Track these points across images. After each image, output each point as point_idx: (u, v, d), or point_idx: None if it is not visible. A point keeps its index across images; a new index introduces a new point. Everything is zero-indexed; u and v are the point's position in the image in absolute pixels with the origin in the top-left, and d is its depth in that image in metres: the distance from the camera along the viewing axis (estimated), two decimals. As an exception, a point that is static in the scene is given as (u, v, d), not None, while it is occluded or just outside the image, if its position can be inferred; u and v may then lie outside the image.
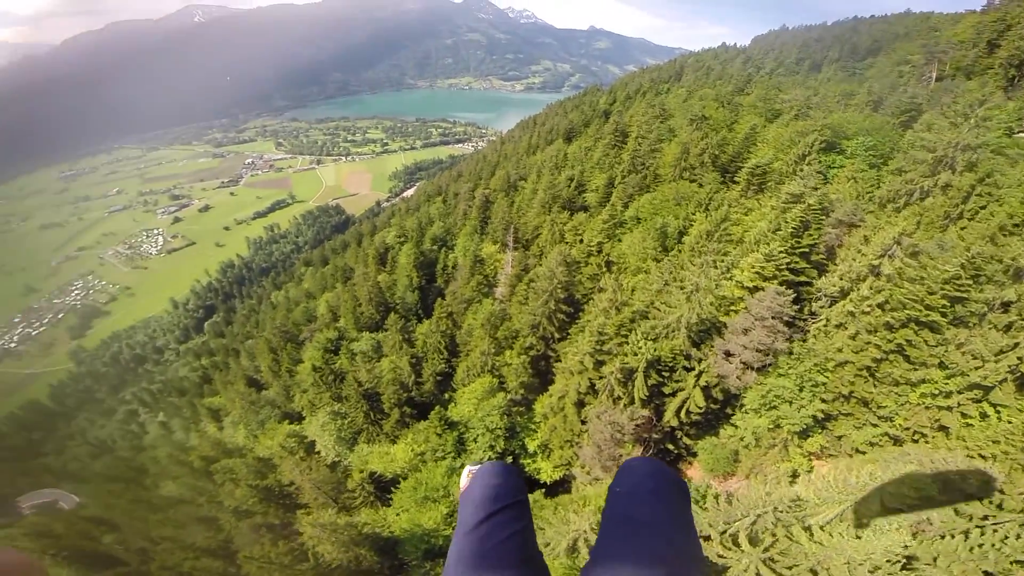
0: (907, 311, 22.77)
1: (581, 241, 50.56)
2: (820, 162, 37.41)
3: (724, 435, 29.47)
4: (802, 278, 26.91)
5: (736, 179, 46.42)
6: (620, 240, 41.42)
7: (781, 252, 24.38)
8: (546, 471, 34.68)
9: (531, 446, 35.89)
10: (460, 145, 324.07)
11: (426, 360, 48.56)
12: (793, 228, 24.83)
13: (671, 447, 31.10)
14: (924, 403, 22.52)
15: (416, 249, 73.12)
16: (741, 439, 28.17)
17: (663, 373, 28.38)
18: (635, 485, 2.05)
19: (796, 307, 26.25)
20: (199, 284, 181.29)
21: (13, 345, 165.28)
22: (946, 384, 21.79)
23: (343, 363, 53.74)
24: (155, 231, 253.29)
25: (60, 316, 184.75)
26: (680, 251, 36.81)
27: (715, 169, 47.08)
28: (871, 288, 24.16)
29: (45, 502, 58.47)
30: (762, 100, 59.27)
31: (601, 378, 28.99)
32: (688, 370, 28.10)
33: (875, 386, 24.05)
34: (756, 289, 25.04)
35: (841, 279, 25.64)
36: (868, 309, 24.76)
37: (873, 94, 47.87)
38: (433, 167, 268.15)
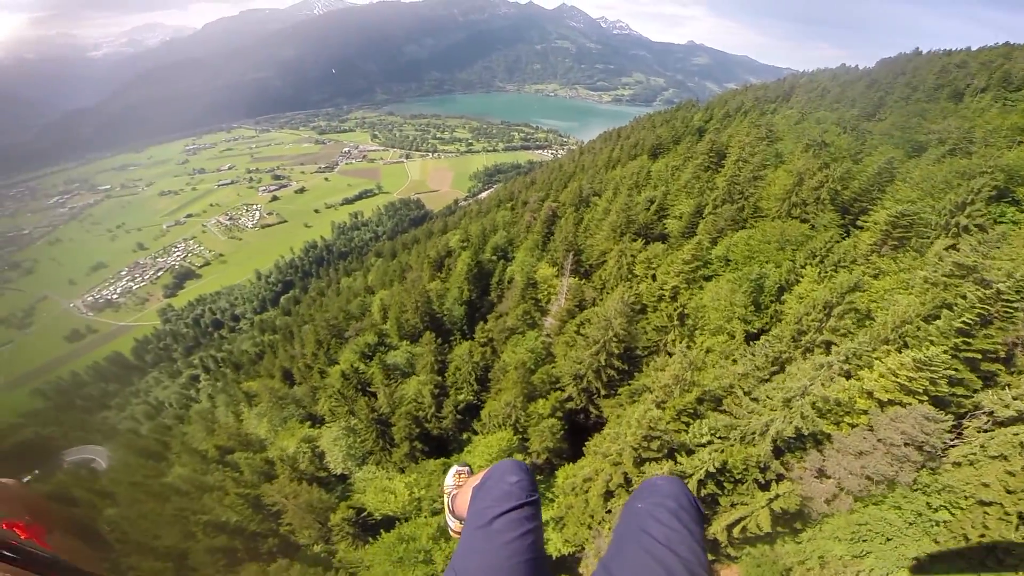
0: None
1: (654, 278, 43.26)
2: (985, 215, 27.75)
3: (780, 548, 21.87)
4: (959, 390, 18.61)
5: (860, 224, 37.02)
6: (702, 287, 33.85)
7: (943, 359, 16.45)
8: (555, 543, 28.61)
9: (543, 514, 29.75)
10: (540, 151, 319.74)
11: (453, 390, 43.71)
12: (964, 323, 16.75)
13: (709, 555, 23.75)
14: None
15: (474, 258, 68.79)
16: (802, 562, 20.55)
17: (725, 485, 21.09)
18: (655, 504, 2.07)
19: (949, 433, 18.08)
20: (283, 260, 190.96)
21: (115, 296, 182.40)
22: None
23: (373, 373, 50.43)
24: (254, 206, 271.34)
25: (159, 275, 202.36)
26: (780, 316, 28.76)
27: (834, 208, 37.91)
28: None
29: (84, 458, 59.72)
30: (899, 129, 48.29)
31: (642, 474, 22.36)
32: (762, 487, 20.61)
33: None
34: (891, 403, 17.24)
35: (1020, 399, 17.09)
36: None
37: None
38: (511, 171, 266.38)
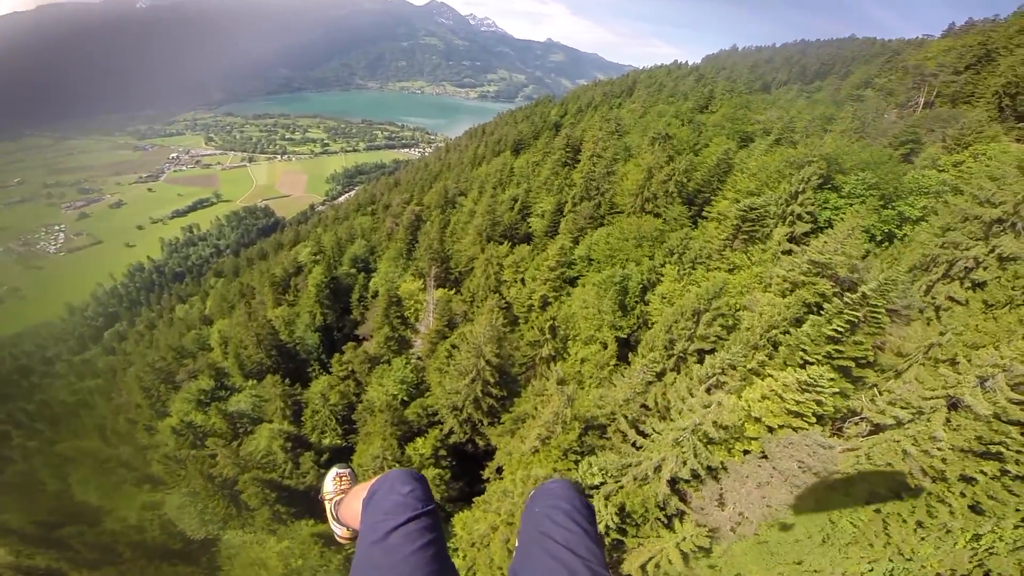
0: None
1: (523, 283, 40.39)
2: (814, 202, 29.15)
3: (698, 571, 20.43)
4: (837, 400, 18.02)
5: (705, 214, 38.00)
6: (569, 294, 31.53)
7: (827, 378, 15.17)
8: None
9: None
10: (406, 150, 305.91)
11: (316, 434, 36.50)
12: (835, 330, 15.66)
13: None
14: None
15: (327, 274, 60.09)
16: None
17: (626, 529, 18.38)
18: (551, 507, 2.11)
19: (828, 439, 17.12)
20: (102, 288, 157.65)
21: None
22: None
23: (214, 423, 40.61)
24: (57, 227, 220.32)
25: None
26: (646, 317, 27.28)
27: (681, 200, 38.38)
28: (948, 426, 15.26)
29: None
30: (729, 120, 51.85)
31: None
32: (666, 525, 18.24)
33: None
34: (780, 426, 15.63)
35: (894, 404, 16.62)
36: (936, 450, 15.94)
37: (857, 119, 41.04)
38: (375, 171, 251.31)
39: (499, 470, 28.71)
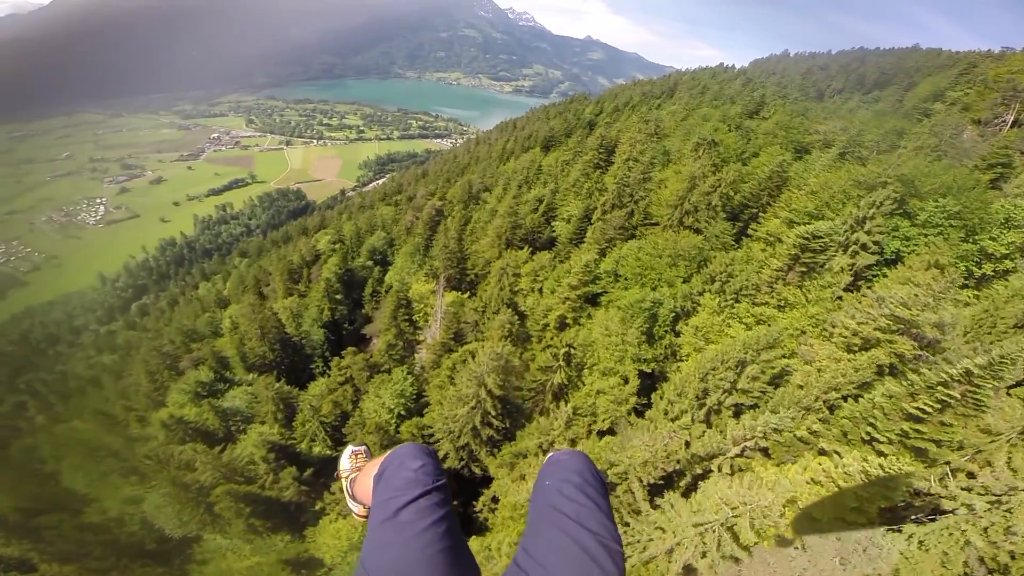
0: None
1: (540, 292, 37.03)
2: (883, 230, 24.75)
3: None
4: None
5: (752, 231, 33.77)
6: (590, 316, 28.04)
7: (903, 467, 11.44)
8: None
9: None
10: (439, 140, 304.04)
11: (306, 442, 34.20)
12: (920, 408, 11.84)
13: None
14: None
15: (342, 265, 58.01)
16: None
17: None
18: (562, 480, 2.06)
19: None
20: (134, 260, 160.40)
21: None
22: None
23: (207, 419, 38.91)
24: (98, 200, 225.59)
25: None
26: (675, 350, 23.63)
27: (725, 215, 34.24)
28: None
29: None
30: (783, 128, 46.92)
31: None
32: None
33: None
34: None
35: (971, 490, 12.76)
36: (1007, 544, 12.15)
37: (934, 135, 35.92)
38: (407, 159, 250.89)
39: (495, 499, 25.82)
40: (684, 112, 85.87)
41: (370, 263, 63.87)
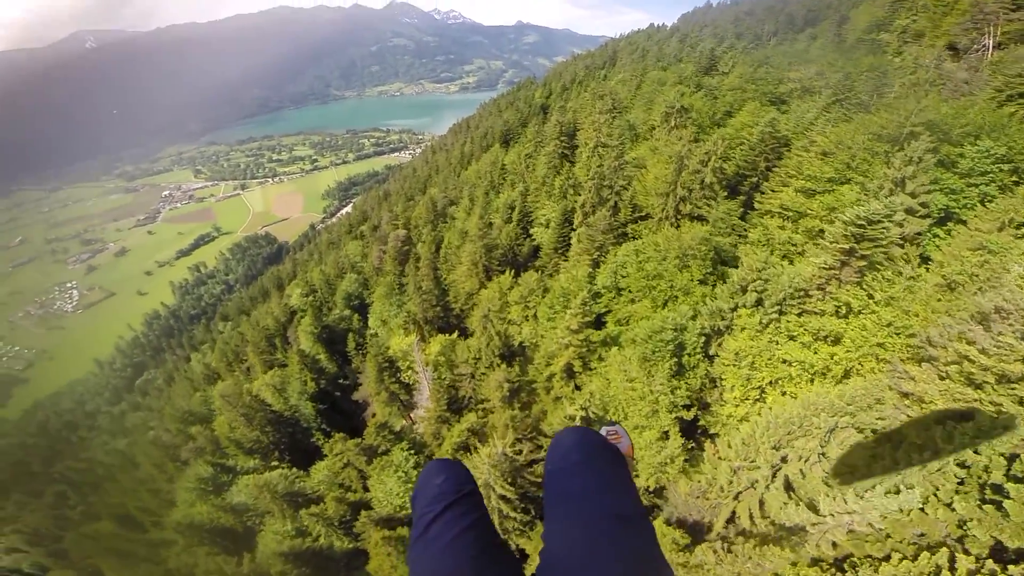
0: None
1: (535, 318, 32.22)
2: (925, 188, 20.41)
3: None
4: None
5: (759, 204, 29.31)
6: (601, 356, 23.33)
7: None
8: None
9: None
10: (396, 154, 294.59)
11: (324, 538, 29.22)
12: None
13: None
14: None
15: (317, 324, 52.31)
16: None
17: None
18: (564, 459, 1.97)
19: None
20: (123, 340, 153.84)
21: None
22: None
23: (220, 518, 33.91)
24: (68, 284, 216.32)
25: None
26: (717, 382, 19.09)
27: (723, 190, 29.72)
28: None
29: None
30: (750, 81, 42.47)
31: None
32: None
33: None
34: None
35: None
36: None
37: (922, 69, 31.72)
38: (368, 180, 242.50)
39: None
40: (636, 79, 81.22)
41: (347, 312, 58.36)
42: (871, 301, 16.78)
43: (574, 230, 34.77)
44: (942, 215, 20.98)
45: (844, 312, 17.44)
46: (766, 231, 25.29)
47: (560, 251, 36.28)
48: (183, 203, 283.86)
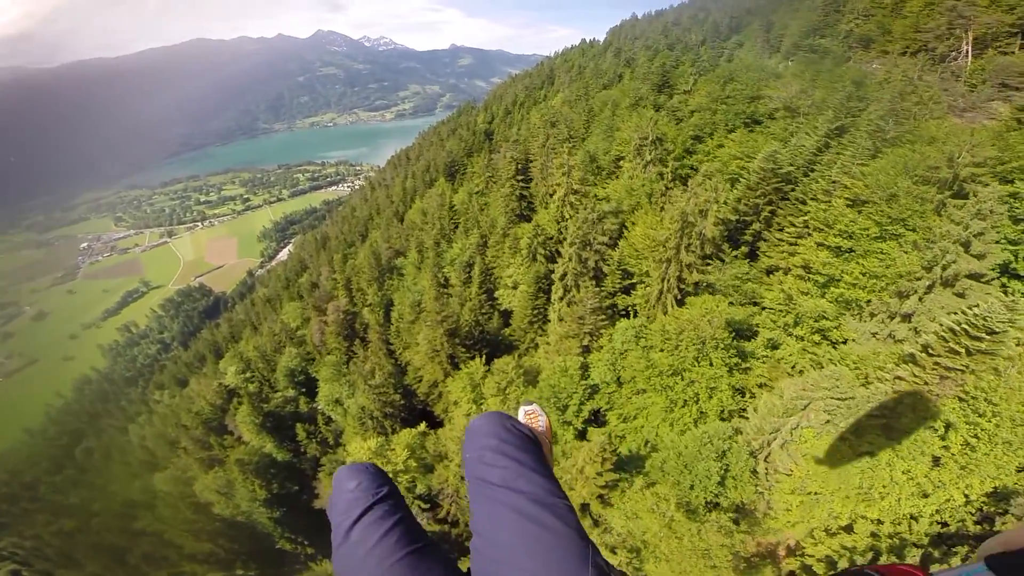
0: None
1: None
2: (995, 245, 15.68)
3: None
4: None
5: (763, 253, 24.04)
6: (624, 489, 16.78)
7: None
8: None
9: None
10: (334, 188, 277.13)
11: None
12: None
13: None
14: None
15: (257, 414, 42.68)
16: None
17: None
18: (480, 448, 1.92)
19: None
20: (53, 408, 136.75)
21: None
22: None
23: None
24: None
25: None
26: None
27: (727, 243, 24.20)
28: None
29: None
30: (717, 101, 37.99)
31: None
32: None
33: None
34: None
35: None
36: None
37: (910, 82, 28.03)
38: (306, 217, 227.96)
39: None
40: (580, 99, 77.04)
41: (292, 392, 48.92)
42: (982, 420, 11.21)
43: (550, 300, 28.32)
44: (998, 271, 16.17)
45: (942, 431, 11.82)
46: (787, 299, 19.78)
47: (535, 324, 29.69)
48: (104, 255, 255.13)
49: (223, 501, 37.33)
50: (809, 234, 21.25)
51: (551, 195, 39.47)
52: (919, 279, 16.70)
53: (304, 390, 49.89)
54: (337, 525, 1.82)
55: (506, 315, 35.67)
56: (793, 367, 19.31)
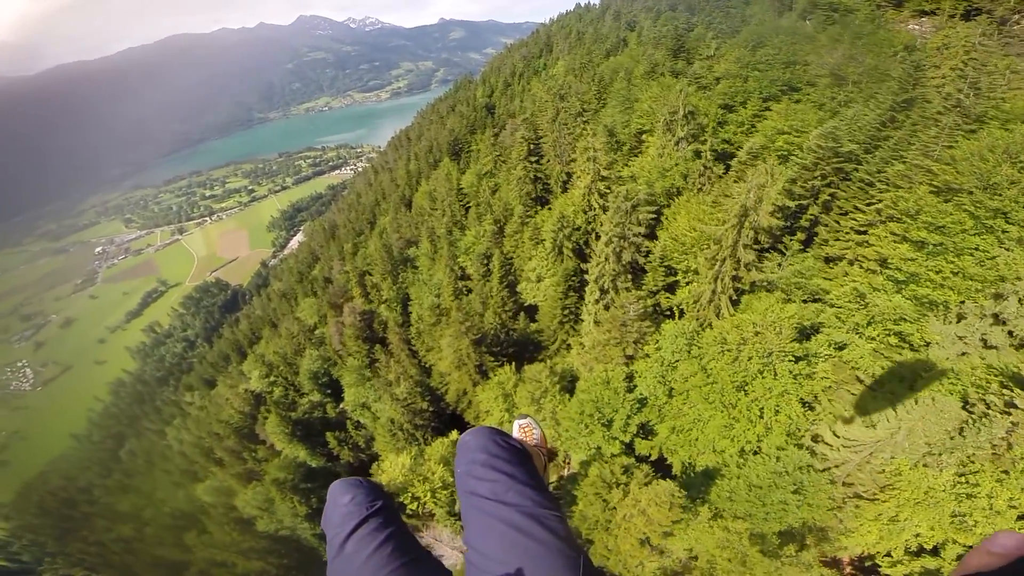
0: None
1: (556, 421, 23.28)
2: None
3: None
4: None
5: (825, 241, 21.13)
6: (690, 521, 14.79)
7: None
8: None
9: None
10: (337, 172, 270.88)
11: None
12: None
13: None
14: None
15: (286, 423, 41.41)
16: None
17: None
18: (470, 463, 1.92)
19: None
20: (94, 412, 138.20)
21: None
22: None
23: None
24: (19, 364, 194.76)
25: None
26: None
27: (787, 233, 21.21)
28: None
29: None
30: (748, 68, 33.93)
31: None
32: None
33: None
34: None
35: None
36: None
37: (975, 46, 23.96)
38: (313, 203, 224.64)
39: None
40: (585, 68, 72.06)
41: (318, 396, 47.66)
42: None
43: (581, 298, 25.84)
44: None
45: None
46: (858, 296, 17.03)
47: (566, 324, 27.35)
48: (120, 258, 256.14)
49: (266, 517, 36.59)
50: (883, 223, 18.34)
51: (569, 176, 36.32)
52: (1020, 279, 14.02)
53: (330, 392, 48.63)
54: (332, 538, 1.80)
55: (530, 310, 33.36)
56: (863, 371, 16.93)
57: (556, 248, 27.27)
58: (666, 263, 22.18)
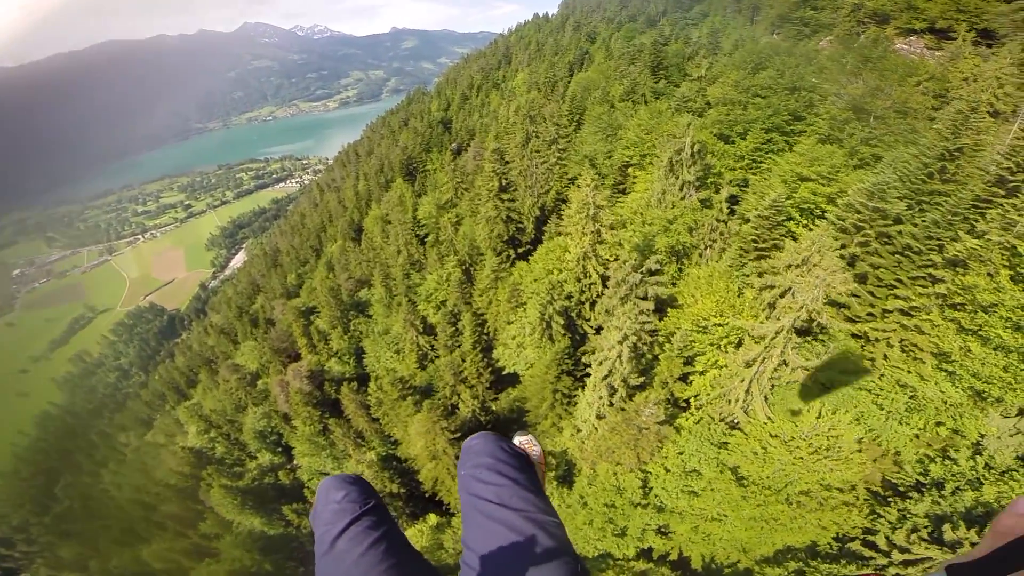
0: None
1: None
2: None
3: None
4: None
5: (868, 321, 17.21)
6: None
7: None
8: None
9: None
10: (281, 185, 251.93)
11: None
12: None
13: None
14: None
15: (233, 495, 33.58)
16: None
17: None
18: (475, 466, 1.90)
19: None
20: (18, 447, 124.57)
21: None
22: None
23: None
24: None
25: None
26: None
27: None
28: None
29: None
30: (743, 92, 30.10)
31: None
32: None
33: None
34: None
35: None
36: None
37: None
38: (256, 219, 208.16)
39: None
40: (544, 80, 67.67)
41: (267, 457, 40.05)
42: None
43: (576, 378, 20.72)
44: None
45: None
46: (902, 387, 13.14)
47: (556, 407, 22.19)
48: (41, 281, 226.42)
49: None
50: (941, 306, 14.51)
51: (543, 211, 31.31)
52: None
53: (280, 450, 41.05)
54: (322, 535, 1.74)
55: (511, 378, 27.93)
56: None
57: (544, 325, 21.95)
58: (684, 352, 17.50)
